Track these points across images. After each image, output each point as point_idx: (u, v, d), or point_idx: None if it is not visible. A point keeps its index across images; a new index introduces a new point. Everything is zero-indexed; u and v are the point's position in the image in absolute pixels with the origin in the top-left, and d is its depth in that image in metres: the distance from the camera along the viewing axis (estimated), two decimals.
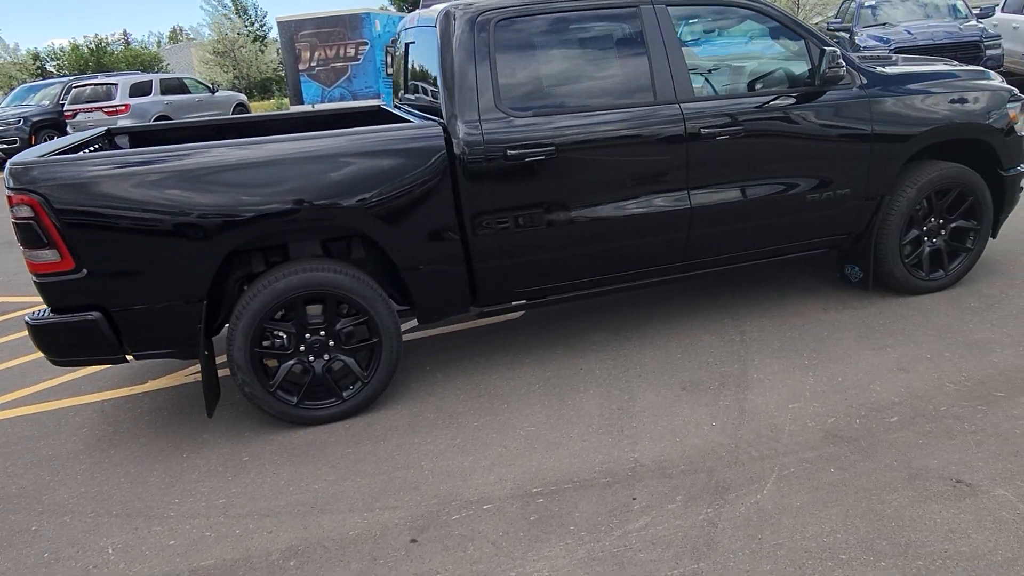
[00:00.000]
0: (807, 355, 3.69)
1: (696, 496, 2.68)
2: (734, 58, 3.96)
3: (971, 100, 4.07)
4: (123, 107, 15.54)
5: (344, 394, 3.42)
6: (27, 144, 14.36)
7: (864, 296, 4.32)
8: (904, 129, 3.94)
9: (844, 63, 3.65)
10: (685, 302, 4.51)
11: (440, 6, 3.60)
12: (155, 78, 16.35)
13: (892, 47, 10.11)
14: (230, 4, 36.64)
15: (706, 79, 3.83)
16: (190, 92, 16.79)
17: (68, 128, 15.47)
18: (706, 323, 4.17)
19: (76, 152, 3.48)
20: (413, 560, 2.48)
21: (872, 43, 10.46)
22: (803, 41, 3.83)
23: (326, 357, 3.39)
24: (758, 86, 3.79)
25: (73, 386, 4.08)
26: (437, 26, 3.43)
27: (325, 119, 4.56)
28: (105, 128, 4.30)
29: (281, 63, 21.24)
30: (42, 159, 2.98)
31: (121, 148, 4.24)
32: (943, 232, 4.25)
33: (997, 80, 4.31)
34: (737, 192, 3.76)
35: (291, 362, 3.34)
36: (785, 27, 3.83)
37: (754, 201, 3.79)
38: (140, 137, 4.38)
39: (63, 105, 15.99)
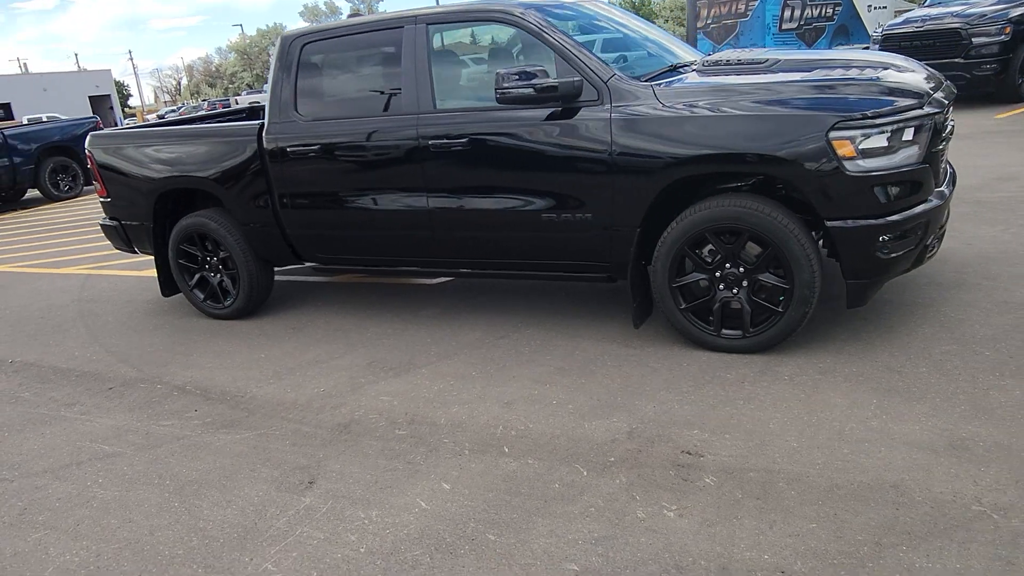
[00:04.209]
0: (492, 368, 3.77)
1: (217, 422, 3.60)
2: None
3: (759, 125, 3.18)
4: None
5: (226, 303, 5.07)
6: None
7: (654, 337, 3.84)
8: (650, 156, 3.40)
9: (530, 83, 3.41)
10: (533, 302, 4.65)
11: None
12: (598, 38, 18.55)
13: None
14: None
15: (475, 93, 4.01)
16: None
17: None
18: (505, 324, 4.35)
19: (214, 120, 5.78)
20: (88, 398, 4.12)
21: None
22: (557, 57, 3.64)
23: (218, 277, 5.06)
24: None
25: None
26: (275, 45, 4.54)
27: None
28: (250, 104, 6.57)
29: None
30: (97, 134, 5.29)
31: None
32: (745, 284, 3.47)
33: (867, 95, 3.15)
34: (470, 201, 3.93)
35: (198, 275, 5.11)
36: (540, 42, 3.70)
37: (487, 212, 3.90)
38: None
39: None
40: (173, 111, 51.48)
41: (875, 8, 14.91)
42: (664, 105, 3.40)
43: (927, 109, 3.18)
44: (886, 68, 3.47)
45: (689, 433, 2.95)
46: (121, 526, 2.82)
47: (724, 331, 3.55)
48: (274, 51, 4.51)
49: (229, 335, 4.81)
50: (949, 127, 3.53)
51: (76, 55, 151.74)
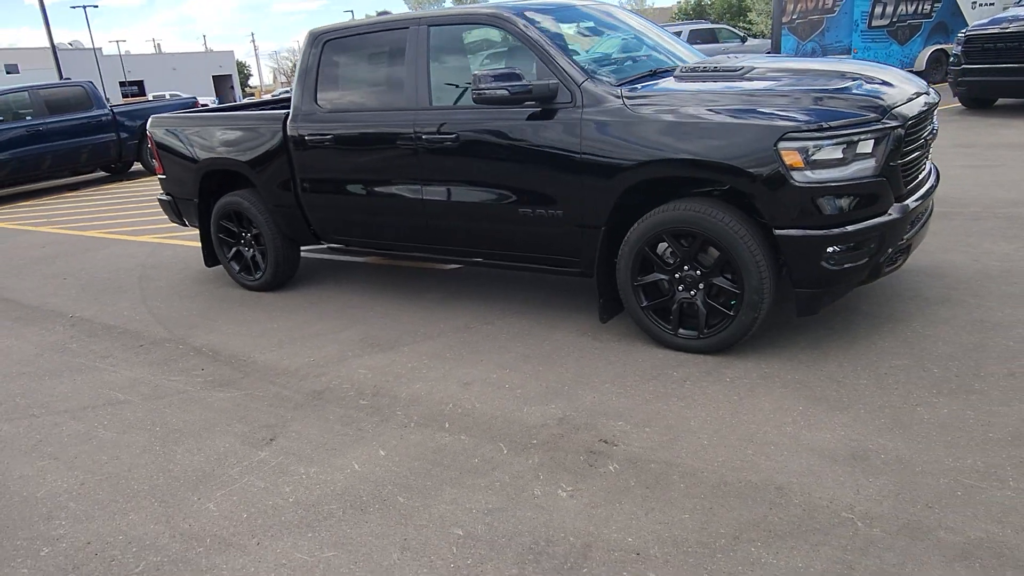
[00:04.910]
0: (465, 351, 4.03)
1: (215, 381, 4.02)
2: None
3: (714, 133, 3.27)
4: None
5: (256, 275, 5.54)
6: None
7: (624, 332, 3.98)
8: (611, 158, 3.54)
9: (504, 85, 3.60)
10: (528, 291, 4.86)
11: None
12: (685, 28, 18.33)
13: None
14: None
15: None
16: (718, 41, 18.22)
17: None
18: (493, 311, 4.60)
19: (259, 108, 6.31)
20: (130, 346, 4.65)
21: None
22: (537, 59, 3.82)
23: (251, 252, 5.52)
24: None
25: None
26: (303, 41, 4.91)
27: None
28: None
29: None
30: (157, 116, 5.85)
31: None
32: (701, 286, 3.56)
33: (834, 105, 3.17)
34: (458, 193, 4.17)
35: (234, 249, 5.60)
36: (526, 46, 3.88)
37: (472, 204, 4.13)
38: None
39: None
40: (287, 92, 54.31)
41: (981, 4, 13.99)
42: (629, 109, 3.53)
43: (887, 122, 3.18)
44: (856, 79, 3.46)
45: (614, 424, 3.11)
46: (109, 462, 3.26)
47: (681, 331, 3.66)
48: (302, 46, 4.89)
49: (254, 305, 5.27)
50: (923, 139, 3.49)
51: (204, 36, 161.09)
